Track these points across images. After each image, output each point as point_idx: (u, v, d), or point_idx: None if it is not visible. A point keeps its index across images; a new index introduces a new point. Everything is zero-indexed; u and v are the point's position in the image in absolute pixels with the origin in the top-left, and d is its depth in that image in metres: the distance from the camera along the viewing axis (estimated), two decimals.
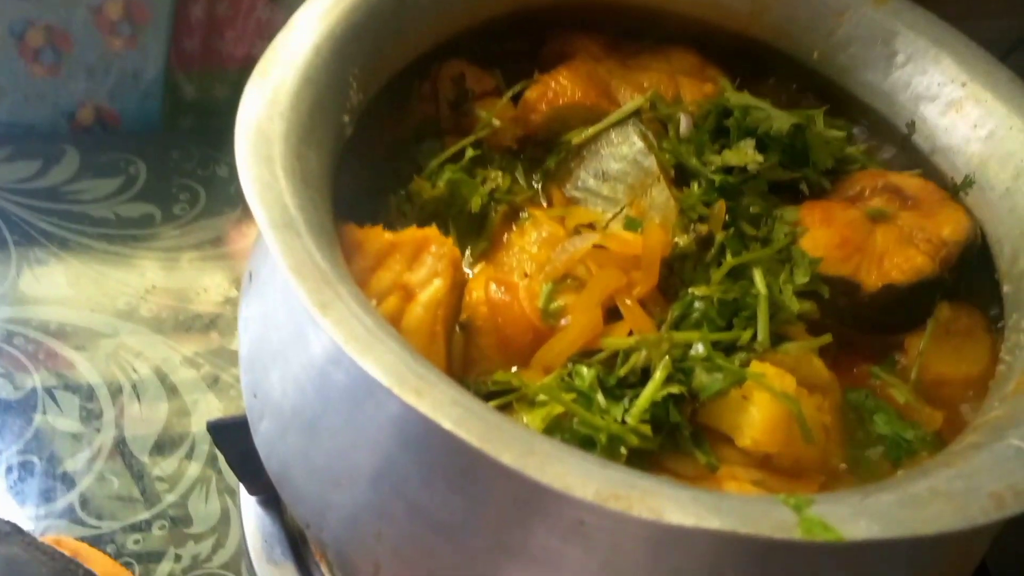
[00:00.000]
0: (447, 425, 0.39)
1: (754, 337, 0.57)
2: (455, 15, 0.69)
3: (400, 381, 0.40)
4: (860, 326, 0.63)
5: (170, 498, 0.79)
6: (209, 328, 0.92)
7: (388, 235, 0.58)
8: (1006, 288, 0.63)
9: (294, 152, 0.51)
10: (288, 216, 0.47)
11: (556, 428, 0.51)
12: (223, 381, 0.87)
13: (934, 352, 0.62)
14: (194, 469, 0.81)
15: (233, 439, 0.68)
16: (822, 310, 0.61)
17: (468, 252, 0.65)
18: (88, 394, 0.85)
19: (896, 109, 0.72)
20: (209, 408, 0.86)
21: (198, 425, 0.84)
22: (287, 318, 0.55)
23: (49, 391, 0.84)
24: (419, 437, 0.45)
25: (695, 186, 0.65)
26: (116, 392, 0.85)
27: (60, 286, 0.92)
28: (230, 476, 0.80)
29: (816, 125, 0.69)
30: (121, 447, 0.82)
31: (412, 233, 0.58)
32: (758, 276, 0.59)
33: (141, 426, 0.83)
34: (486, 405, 0.43)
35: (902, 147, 0.72)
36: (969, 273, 0.64)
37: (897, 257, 0.62)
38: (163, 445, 0.82)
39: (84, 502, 0.78)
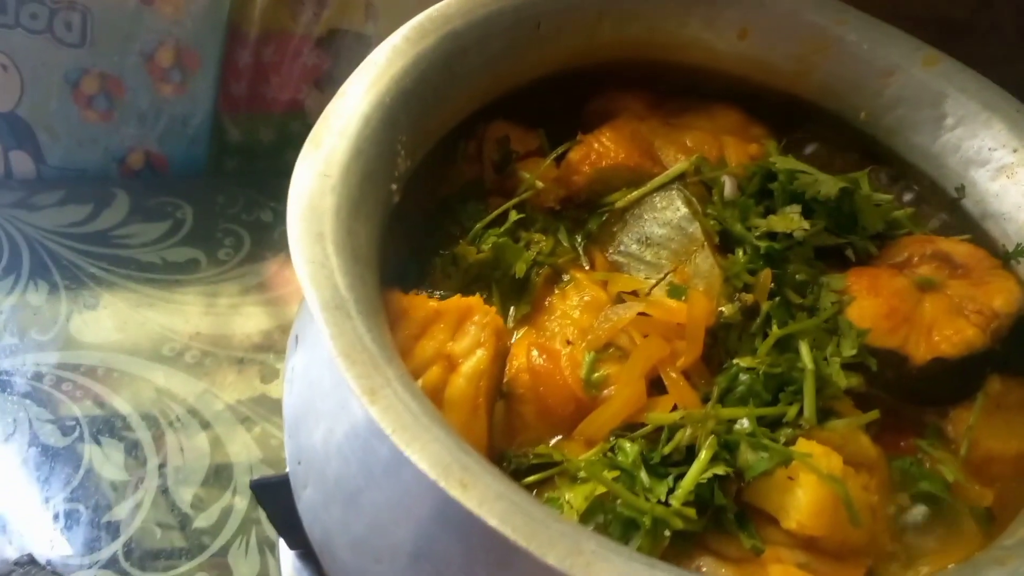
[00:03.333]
0: (492, 522, 0.39)
1: (800, 413, 0.56)
2: (502, 78, 0.70)
3: (446, 473, 0.40)
4: (907, 398, 0.62)
5: (212, 549, 0.80)
6: (252, 376, 0.93)
7: (433, 303, 0.58)
8: None
9: (345, 227, 0.52)
10: (339, 297, 0.47)
11: (599, 508, 0.51)
12: (265, 431, 0.88)
13: (984, 427, 0.60)
14: (234, 521, 0.82)
15: (275, 497, 0.68)
16: (868, 381, 0.60)
17: (511, 314, 0.65)
18: (133, 442, 0.86)
19: (945, 173, 0.71)
20: (250, 457, 0.86)
21: (240, 475, 0.85)
22: (332, 387, 0.55)
23: (96, 438, 0.85)
24: (462, 523, 0.45)
25: (740, 253, 0.64)
26: (160, 440, 0.86)
27: (108, 331, 0.94)
28: (270, 528, 0.81)
29: (863, 188, 0.68)
30: (164, 496, 0.83)
31: (456, 302, 0.58)
32: (804, 349, 0.59)
33: (184, 475, 0.84)
34: (531, 497, 0.42)
35: (951, 211, 0.71)
36: (1021, 345, 0.62)
37: (947, 329, 0.61)
38: (205, 496, 0.83)
39: (128, 552, 0.79)
